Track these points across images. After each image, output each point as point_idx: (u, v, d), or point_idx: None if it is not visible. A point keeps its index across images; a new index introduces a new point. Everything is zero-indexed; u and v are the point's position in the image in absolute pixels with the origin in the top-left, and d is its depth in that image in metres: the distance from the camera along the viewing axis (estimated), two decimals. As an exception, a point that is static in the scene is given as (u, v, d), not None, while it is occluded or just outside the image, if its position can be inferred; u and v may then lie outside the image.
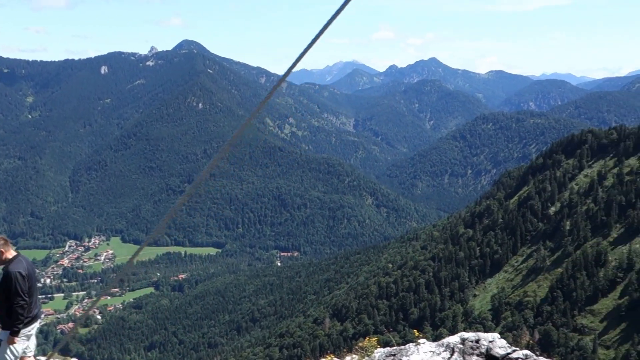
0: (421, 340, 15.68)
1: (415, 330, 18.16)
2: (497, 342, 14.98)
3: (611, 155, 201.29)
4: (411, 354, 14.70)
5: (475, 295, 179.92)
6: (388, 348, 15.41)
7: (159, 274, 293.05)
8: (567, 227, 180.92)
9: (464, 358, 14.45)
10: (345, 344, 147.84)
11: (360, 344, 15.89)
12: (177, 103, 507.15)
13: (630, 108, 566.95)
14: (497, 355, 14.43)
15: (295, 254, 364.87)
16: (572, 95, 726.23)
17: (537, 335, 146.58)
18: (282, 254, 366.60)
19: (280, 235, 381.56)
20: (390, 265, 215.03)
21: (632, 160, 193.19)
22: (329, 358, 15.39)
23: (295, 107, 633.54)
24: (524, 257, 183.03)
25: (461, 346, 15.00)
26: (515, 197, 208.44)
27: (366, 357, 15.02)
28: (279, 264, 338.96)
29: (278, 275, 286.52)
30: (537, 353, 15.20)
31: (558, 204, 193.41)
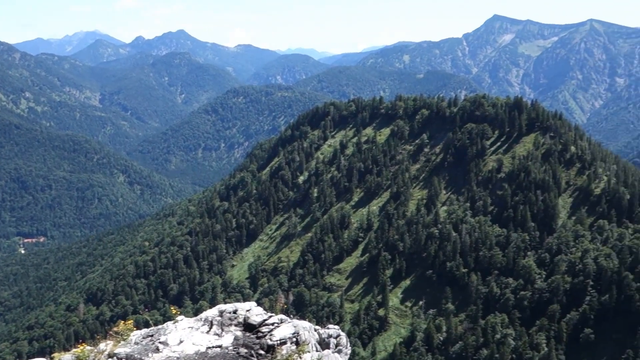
0: (179, 318, 15.41)
1: (172, 308, 17.74)
2: (254, 311, 15.40)
3: (351, 125, 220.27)
4: (169, 333, 14.37)
5: (233, 266, 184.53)
6: (145, 329, 14.85)
7: None
8: (315, 194, 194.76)
9: (222, 329, 14.59)
10: (102, 329, 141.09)
11: (115, 329, 15.04)
12: None
13: (366, 82, 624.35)
14: (254, 323, 14.84)
15: (42, 240, 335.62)
16: (315, 69, 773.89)
17: (291, 297, 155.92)
18: (25, 240, 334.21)
19: (22, 221, 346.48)
20: (147, 244, 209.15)
21: (368, 130, 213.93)
22: (81, 348, 14.27)
23: (32, 80, 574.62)
24: (277, 225, 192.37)
25: (219, 318, 15.12)
26: (267, 169, 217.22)
27: (122, 342, 14.31)
28: (22, 252, 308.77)
29: (22, 263, 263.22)
30: (291, 316, 16.00)
31: (306, 173, 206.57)
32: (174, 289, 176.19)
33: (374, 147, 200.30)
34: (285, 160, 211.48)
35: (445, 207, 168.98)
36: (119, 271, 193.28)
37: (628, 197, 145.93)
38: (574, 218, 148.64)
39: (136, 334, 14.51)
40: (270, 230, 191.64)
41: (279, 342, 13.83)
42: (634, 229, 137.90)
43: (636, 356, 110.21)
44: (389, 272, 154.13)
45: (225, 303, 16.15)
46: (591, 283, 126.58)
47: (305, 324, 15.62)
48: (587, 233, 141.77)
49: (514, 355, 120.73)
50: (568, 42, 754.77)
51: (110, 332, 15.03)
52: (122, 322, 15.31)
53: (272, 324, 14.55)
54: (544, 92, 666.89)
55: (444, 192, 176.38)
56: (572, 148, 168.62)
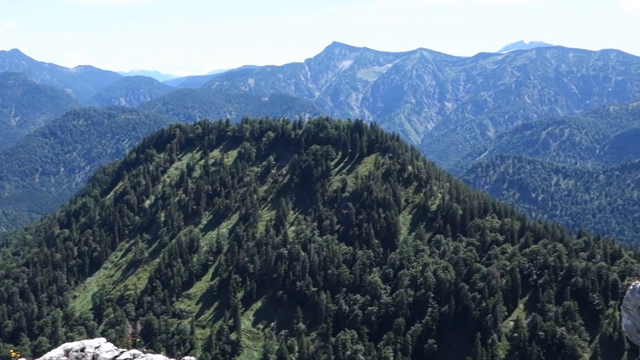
0: (19, 361, 14.18)
1: (11, 351, 16.25)
2: (104, 347, 14.54)
3: (197, 148, 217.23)
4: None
5: (75, 297, 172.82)
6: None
7: None
8: (162, 218, 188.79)
9: (69, 371, 13.57)
10: None
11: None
12: None
13: (212, 104, 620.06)
14: (104, 360, 14.00)
15: None
16: (160, 91, 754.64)
17: (139, 327, 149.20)
18: None
19: None
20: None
21: (216, 153, 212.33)
22: None
23: None
24: (123, 251, 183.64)
25: (65, 359, 14.08)
26: (112, 193, 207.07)
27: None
28: None
29: None
30: (144, 350, 15.34)
31: (153, 197, 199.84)
32: (9, 326, 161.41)
33: (221, 170, 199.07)
34: (130, 184, 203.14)
35: (293, 227, 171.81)
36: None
37: (460, 212, 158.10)
38: (414, 234, 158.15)
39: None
40: (116, 258, 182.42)
41: (132, 378, 13.23)
42: (467, 242, 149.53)
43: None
44: (240, 294, 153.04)
45: (67, 337, 15.11)
46: (432, 295, 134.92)
47: (159, 357, 15.08)
48: (426, 247, 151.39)
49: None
50: (401, 68, 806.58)
51: None
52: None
53: (125, 360, 13.89)
54: (381, 115, 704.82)
55: (292, 212, 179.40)
56: (410, 167, 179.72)
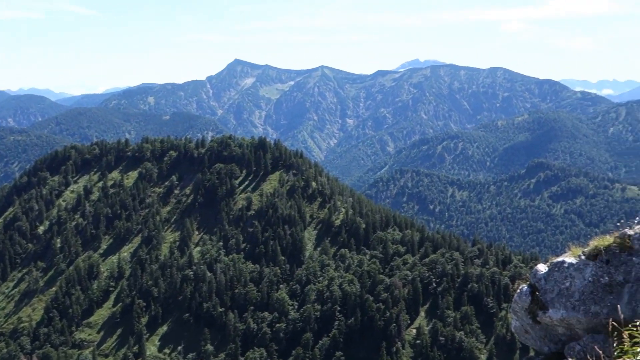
0: None
1: None
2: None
3: (95, 169, 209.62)
4: None
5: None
6: None
7: None
8: (58, 245, 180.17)
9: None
10: None
11: None
12: None
13: (109, 124, 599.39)
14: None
15: None
16: (53, 111, 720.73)
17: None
18: None
19: None
20: None
21: (115, 174, 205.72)
22: None
23: None
24: (15, 281, 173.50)
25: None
26: (1, 220, 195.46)
27: None
28: None
29: None
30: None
31: (47, 223, 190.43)
32: None
33: (121, 191, 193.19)
34: (21, 209, 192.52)
35: (198, 248, 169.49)
36: None
37: (364, 226, 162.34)
38: (319, 249, 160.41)
39: None
40: (7, 289, 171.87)
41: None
42: (370, 254, 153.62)
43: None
44: (144, 320, 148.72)
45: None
46: (338, 308, 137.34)
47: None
48: (331, 262, 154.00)
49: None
50: (303, 86, 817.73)
51: None
52: None
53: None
54: (285, 132, 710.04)
55: (196, 232, 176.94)
56: (314, 184, 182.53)
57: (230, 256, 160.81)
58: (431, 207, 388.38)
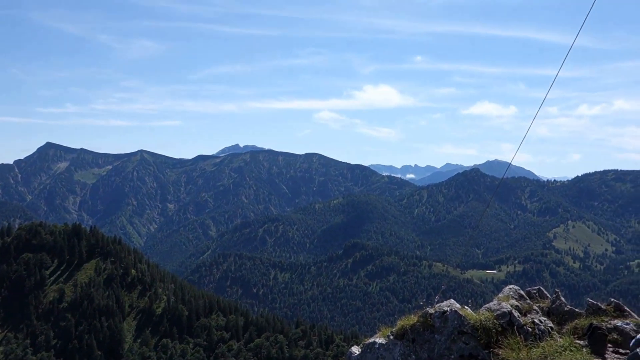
0: None
1: None
2: None
3: None
4: None
5: None
6: None
7: None
8: None
9: None
10: None
11: None
12: None
13: None
14: None
15: None
16: None
17: None
18: None
19: None
20: None
21: None
22: None
23: None
24: None
25: None
26: None
27: None
28: None
29: None
30: None
31: None
32: None
33: None
34: None
35: (2, 348, 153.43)
36: None
37: (187, 313, 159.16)
38: (139, 340, 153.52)
39: None
40: None
41: None
42: (194, 343, 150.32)
43: None
44: None
45: None
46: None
47: None
48: (152, 353, 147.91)
49: None
50: (122, 170, 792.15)
51: None
52: None
53: None
54: (102, 218, 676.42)
55: (0, 330, 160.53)
56: (133, 271, 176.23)
57: (39, 354, 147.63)
58: (254, 290, 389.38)
